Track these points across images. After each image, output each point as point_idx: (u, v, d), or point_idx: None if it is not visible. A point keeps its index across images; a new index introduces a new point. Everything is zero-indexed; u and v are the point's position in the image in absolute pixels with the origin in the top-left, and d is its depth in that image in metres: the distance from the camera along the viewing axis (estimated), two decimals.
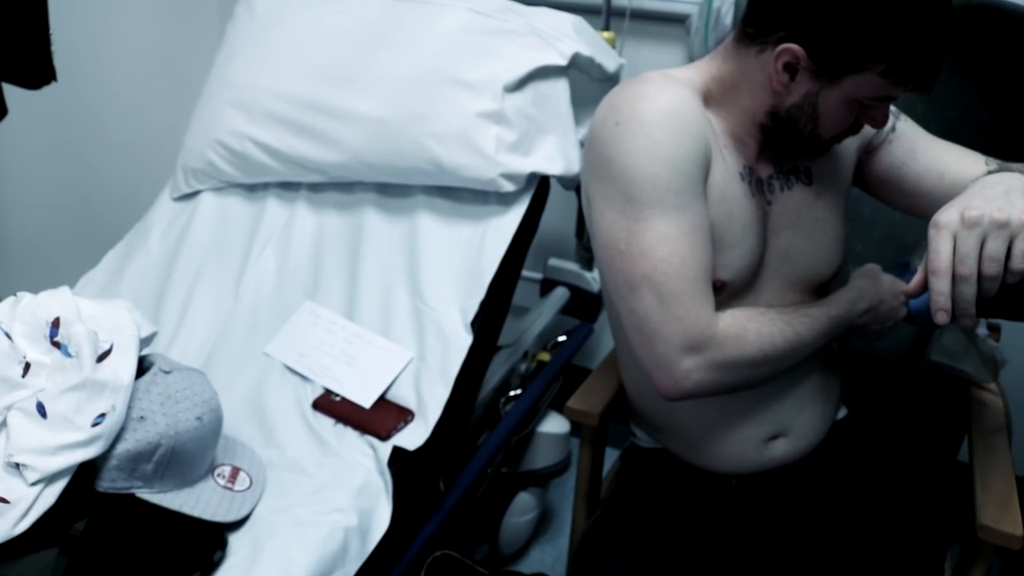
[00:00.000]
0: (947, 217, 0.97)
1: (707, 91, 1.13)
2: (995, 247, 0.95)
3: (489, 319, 1.56)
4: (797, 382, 1.22)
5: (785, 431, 1.24)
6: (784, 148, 1.14)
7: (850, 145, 1.21)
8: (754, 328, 1.10)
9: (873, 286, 1.19)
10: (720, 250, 1.11)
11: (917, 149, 1.22)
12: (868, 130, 1.20)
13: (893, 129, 1.23)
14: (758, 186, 1.15)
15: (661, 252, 1.05)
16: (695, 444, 1.27)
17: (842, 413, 1.35)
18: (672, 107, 1.06)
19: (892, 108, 1.21)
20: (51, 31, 1.62)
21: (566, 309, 1.99)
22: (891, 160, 1.23)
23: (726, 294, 1.15)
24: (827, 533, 1.21)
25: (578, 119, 1.68)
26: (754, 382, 1.15)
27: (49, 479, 1.12)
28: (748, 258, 1.15)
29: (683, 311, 1.06)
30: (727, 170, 1.11)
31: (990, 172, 1.13)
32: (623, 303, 1.10)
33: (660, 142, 1.04)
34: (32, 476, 1.11)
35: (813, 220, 1.19)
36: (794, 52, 1.01)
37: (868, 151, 1.24)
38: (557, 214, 1.80)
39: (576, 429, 1.58)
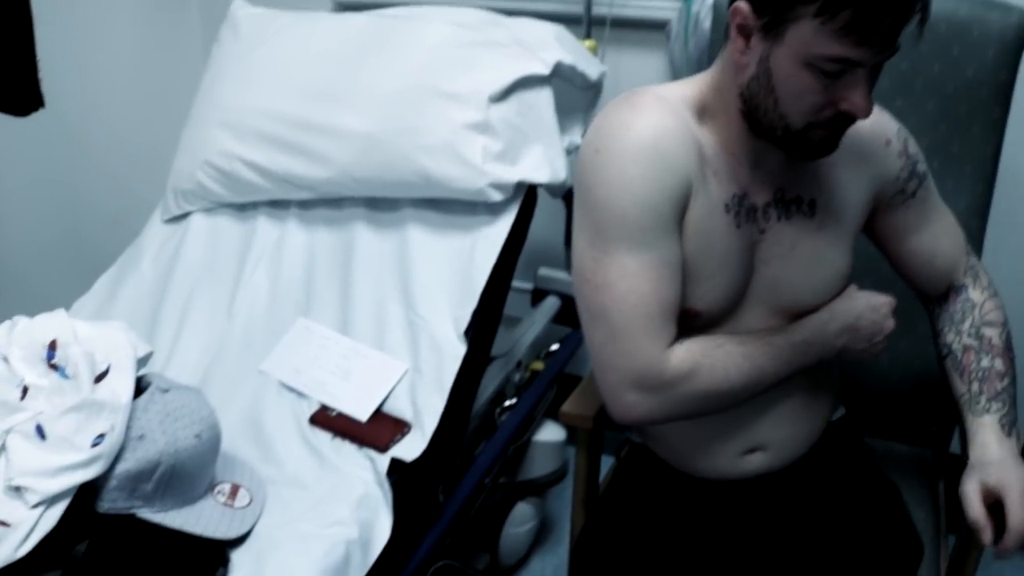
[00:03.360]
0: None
1: (702, 104, 1.10)
2: None
3: (482, 328, 1.57)
4: (776, 401, 1.21)
5: (763, 446, 1.23)
6: (767, 143, 1.09)
7: (865, 186, 1.18)
8: (707, 364, 1.09)
9: (847, 305, 1.18)
10: (695, 282, 1.11)
11: (924, 224, 1.23)
12: (891, 183, 1.19)
13: (913, 195, 1.21)
14: (749, 215, 1.12)
15: (621, 287, 1.06)
16: (675, 451, 1.28)
17: (839, 413, 1.35)
18: (652, 140, 1.04)
19: (920, 169, 1.20)
20: (37, 58, 1.63)
21: (557, 318, 1.99)
22: (899, 225, 1.23)
23: (703, 321, 1.15)
24: (809, 539, 1.21)
25: (563, 127, 1.70)
26: (712, 412, 1.16)
27: (50, 501, 1.12)
28: (724, 290, 1.14)
29: (633, 347, 1.06)
30: (710, 202, 1.09)
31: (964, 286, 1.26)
32: (585, 329, 1.12)
33: (633, 177, 1.03)
34: (33, 499, 1.12)
35: (810, 252, 1.16)
36: (742, 11, 0.99)
37: (888, 204, 1.21)
38: (546, 223, 1.81)
39: (572, 436, 1.58)
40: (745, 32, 1.01)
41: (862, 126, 1.13)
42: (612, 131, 1.06)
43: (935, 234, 1.24)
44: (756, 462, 1.24)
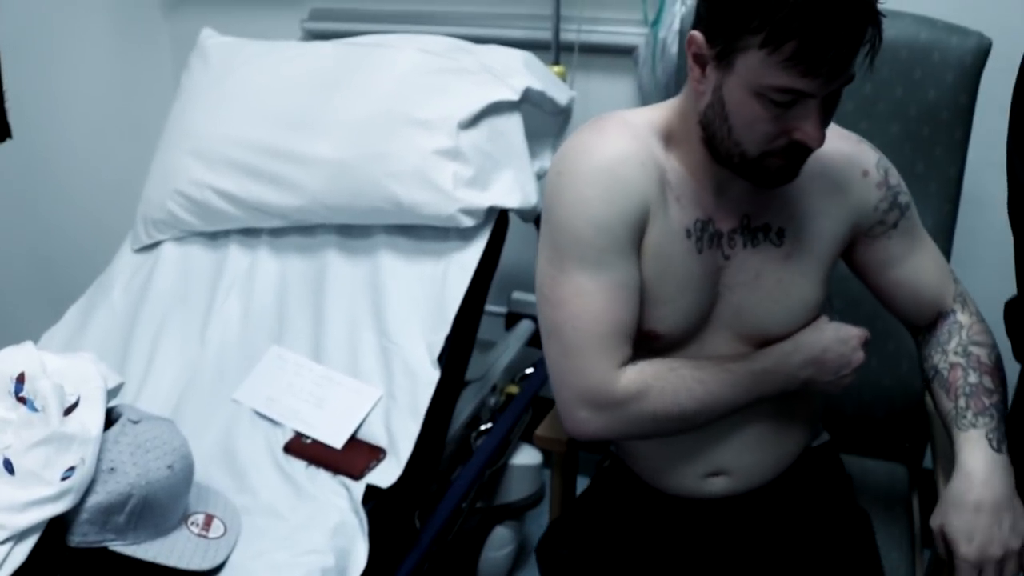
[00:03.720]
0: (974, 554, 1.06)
1: (668, 130, 1.11)
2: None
3: (456, 353, 1.57)
4: (740, 428, 1.20)
5: (726, 471, 1.23)
6: (730, 172, 1.09)
7: (839, 217, 1.16)
8: (657, 387, 1.10)
9: (813, 336, 1.16)
10: (654, 304, 1.13)
11: (907, 255, 1.21)
12: (869, 214, 1.17)
13: (895, 225, 1.19)
14: (713, 240, 1.13)
15: (574, 306, 1.08)
16: (645, 467, 1.29)
17: (820, 439, 1.35)
18: (610, 164, 1.07)
19: (901, 200, 1.19)
20: (4, 88, 1.62)
21: (532, 341, 2.00)
22: (881, 256, 1.21)
23: (664, 344, 1.16)
24: (770, 563, 1.21)
25: (533, 152, 1.71)
26: (664, 434, 1.17)
27: (19, 537, 1.11)
28: (685, 314, 1.14)
29: (584, 364, 1.09)
30: (669, 227, 1.10)
31: (953, 313, 1.23)
32: (543, 345, 1.14)
33: (589, 200, 1.06)
34: (1, 534, 1.10)
35: (775, 280, 1.15)
36: (696, 40, 1.00)
37: (867, 235, 1.19)
38: (519, 247, 1.82)
39: (548, 459, 1.58)
40: (700, 61, 1.02)
41: (838, 156, 1.14)
42: (574, 154, 1.09)
43: (920, 265, 1.22)
44: (720, 485, 1.24)
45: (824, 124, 1.01)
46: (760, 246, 1.15)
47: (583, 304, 1.08)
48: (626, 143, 1.08)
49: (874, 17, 0.96)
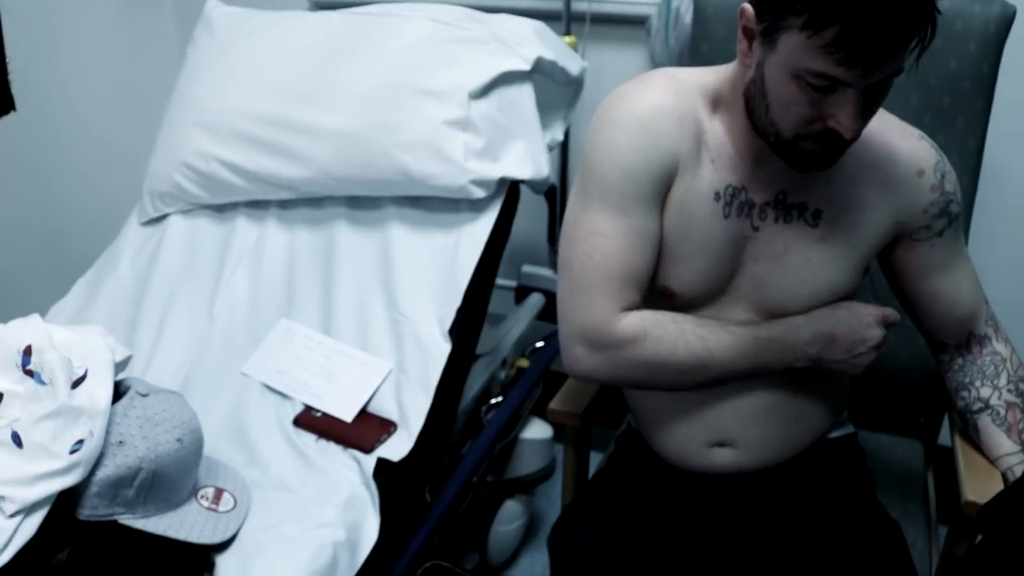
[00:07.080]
0: None
1: (718, 94, 1.11)
2: None
3: (466, 326, 1.56)
4: (743, 397, 1.19)
5: (730, 442, 1.22)
6: (770, 152, 1.08)
7: (884, 211, 1.14)
8: (655, 334, 1.10)
9: (826, 311, 1.15)
10: (671, 260, 1.13)
11: (946, 268, 1.19)
12: (917, 216, 1.15)
13: (940, 234, 1.17)
14: (743, 209, 1.12)
15: (587, 244, 1.10)
16: (650, 430, 1.28)
17: (844, 430, 1.33)
18: (644, 115, 1.08)
19: (952, 209, 1.16)
20: (7, 59, 1.60)
21: (542, 315, 1.99)
22: (921, 262, 1.18)
23: (680, 303, 1.16)
24: (780, 542, 1.20)
25: (544, 123, 1.69)
26: (658, 386, 1.17)
27: (28, 510, 1.10)
28: (701, 275, 1.14)
29: (587, 302, 1.11)
30: (698, 186, 1.10)
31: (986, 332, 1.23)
32: (558, 279, 1.16)
33: (618, 145, 1.08)
34: (10, 508, 1.09)
35: (803, 260, 1.14)
36: (747, 13, 0.99)
37: (912, 237, 1.17)
38: (529, 220, 1.81)
39: (559, 433, 1.57)
40: (748, 34, 1.01)
41: (895, 151, 1.13)
42: (615, 100, 1.12)
43: (957, 281, 1.21)
44: (725, 456, 1.22)
45: (862, 115, 0.99)
46: (793, 223, 1.14)
47: (596, 244, 1.10)
48: (667, 97, 1.10)
49: (928, 12, 0.92)
